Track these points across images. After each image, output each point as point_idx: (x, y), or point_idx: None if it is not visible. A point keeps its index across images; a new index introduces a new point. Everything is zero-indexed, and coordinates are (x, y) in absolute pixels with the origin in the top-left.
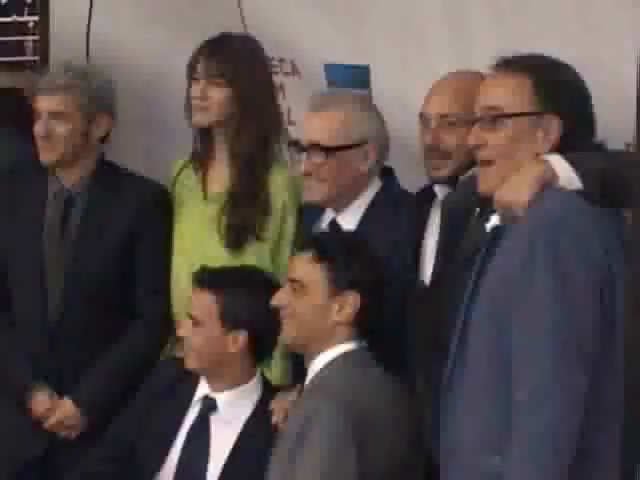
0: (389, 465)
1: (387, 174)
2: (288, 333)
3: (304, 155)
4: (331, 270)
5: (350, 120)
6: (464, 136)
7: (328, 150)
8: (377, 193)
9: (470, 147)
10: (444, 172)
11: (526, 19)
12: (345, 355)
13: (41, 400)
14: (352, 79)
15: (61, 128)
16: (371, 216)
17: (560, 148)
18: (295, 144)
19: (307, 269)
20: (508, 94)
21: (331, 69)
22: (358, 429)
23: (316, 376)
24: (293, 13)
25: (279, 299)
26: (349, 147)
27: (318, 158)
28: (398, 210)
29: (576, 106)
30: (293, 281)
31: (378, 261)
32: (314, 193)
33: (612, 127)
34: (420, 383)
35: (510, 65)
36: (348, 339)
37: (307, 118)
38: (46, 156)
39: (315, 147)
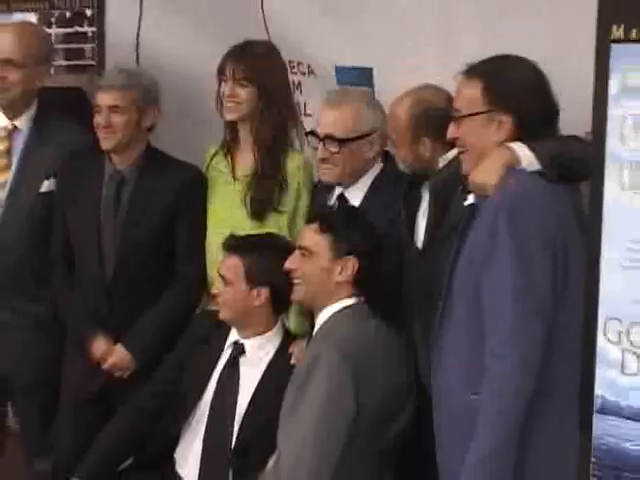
0: (382, 401)
1: (386, 157)
2: (298, 292)
3: (320, 144)
4: (332, 239)
5: (360, 115)
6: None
7: (341, 141)
8: (379, 173)
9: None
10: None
11: (507, 24)
12: (346, 309)
13: (99, 346)
14: (359, 79)
15: (118, 119)
16: (374, 192)
17: (520, 135)
18: (313, 134)
19: (314, 238)
20: (464, 97)
21: (341, 70)
22: (356, 370)
23: (321, 327)
24: (309, 23)
25: (291, 263)
26: (359, 138)
27: (333, 147)
28: (396, 187)
29: (525, 102)
30: (301, 248)
31: (374, 230)
32: (330, 176)
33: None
34: (417, 330)
35: (468, 71)
36: (348, 296)
37: (323, 112)
38: (106, 143)
39: (330, 138)
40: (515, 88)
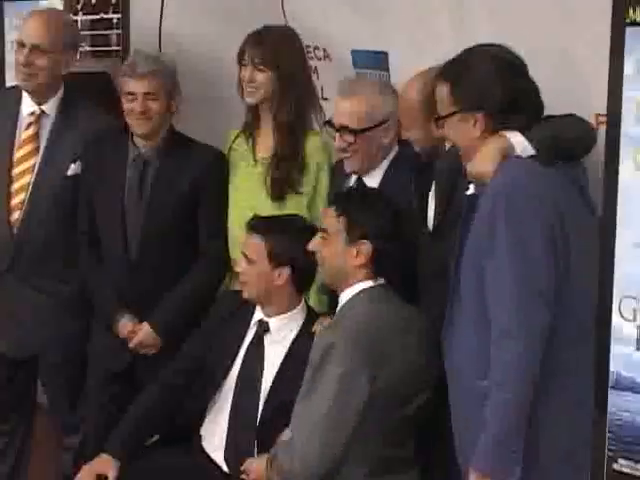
0: (400, 381)
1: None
2: (321, 274)
3: (337, 134)
4: (347, 222)
5: (373, 104)
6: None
7: (356, 132)
8: (395, 155)
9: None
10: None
11: (523, 7)
12: (363, 292)
13: (125, 324)
14: (374, 63)
15: (154, 105)
16: (390, 174)
17: (495, 127)
18: (329, 124)
19: (331, 221)
20: (438, 100)
21: (357, 54)
22: (370, 353)
23: (341, 309)
24: (326, 8)
25: (312, 246)
26: (374, 127)
27: (348, 138)
28: (412, 169)
29: (488, 96)
30: (321, 230)
31: (393, 212)
32: (350, 165)
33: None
34: (435, 312)
35: (438, 75)
36: (367, 279)
37: (337, 102)
38: (140, 128)
39: (345, 129)
40: (476, 85)
